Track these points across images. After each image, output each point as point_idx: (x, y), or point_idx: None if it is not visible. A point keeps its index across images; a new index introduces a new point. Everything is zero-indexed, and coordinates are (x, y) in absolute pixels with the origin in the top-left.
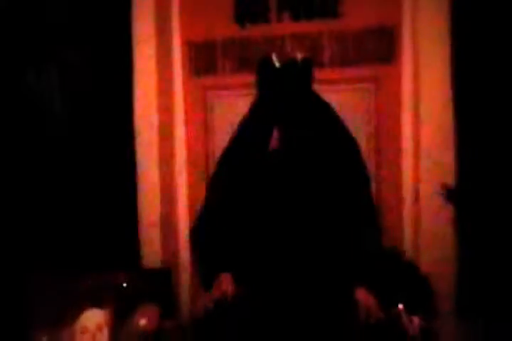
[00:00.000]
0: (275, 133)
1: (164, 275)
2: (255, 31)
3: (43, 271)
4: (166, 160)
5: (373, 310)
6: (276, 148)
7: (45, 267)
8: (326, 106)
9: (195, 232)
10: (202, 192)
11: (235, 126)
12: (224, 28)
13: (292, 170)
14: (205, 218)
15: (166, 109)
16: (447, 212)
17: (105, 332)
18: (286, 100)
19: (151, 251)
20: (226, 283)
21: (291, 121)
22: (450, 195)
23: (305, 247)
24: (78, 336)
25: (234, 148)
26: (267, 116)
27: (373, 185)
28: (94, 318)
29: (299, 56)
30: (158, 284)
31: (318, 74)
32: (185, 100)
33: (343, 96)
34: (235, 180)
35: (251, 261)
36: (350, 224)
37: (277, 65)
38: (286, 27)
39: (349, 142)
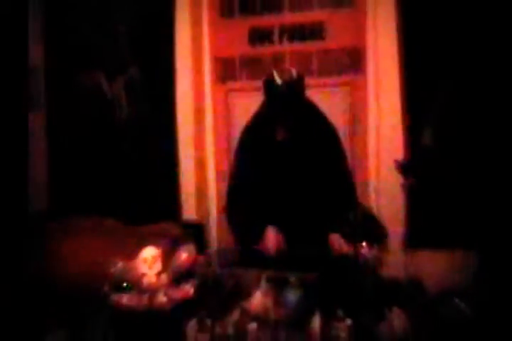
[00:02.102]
0: (280, 128)
1: (198, 226)
2: (263, 49)
3: (120, 221)
4: (199, 141)
5: (344, 249)
6: (281, 137)
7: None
8: (314, 107)
9: (229, 202)
10: (225, 165)
11: (248, 118)
12: (241, 47)
13: (293, 153)
14: (234, 191)
15: (199, 107)
16: (400, 178)
17: (159, 262)
18: (287, 105)
19: (190, 209)
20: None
21: (290, 120)
22: (401, 167)
23: (301, 204)
24: (141, 264)
25: (248, 137)
26: (272, 116)
27: (349, 158)
28: (151, 252)
29: (294, 73)
30: (194, 231)
31: (308, 81)
32: (213, 99)
33: (327, 96)
34: (252, 159)
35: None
36: (333, 187)
37: (279, 81)
38: (285, 46)
39: (331, 129)
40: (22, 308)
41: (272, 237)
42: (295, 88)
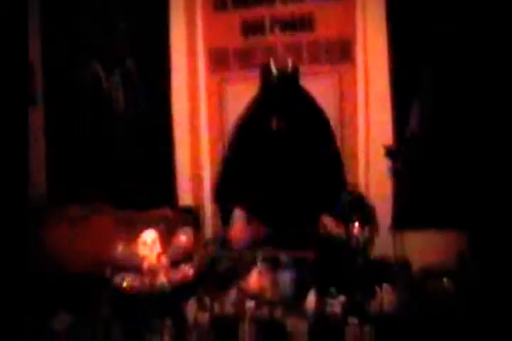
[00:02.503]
0: (275, 118)
1: (194, 212)
2: (255, 40)
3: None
4: (194, 128)
5: (333, 229)
6: (277, 126)
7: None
8: (308, 96)
9: (218, 184)
10: (219, 155)
11: (241, 107)
12: (234, 39)
13: (287, 140)
14: (225, 173)
15: (193, 96)
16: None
17: (158, 245)
18: (282, 95)
19: (186, 195)
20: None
21: (285, 110)
22: (389, 152)
23: (293, 188)
24: (141, 247)
25: (243, 125)
26: (268, 106)
27: (339, 143)
28: (150, 236)
29: (290, 63)
30: (191, 215)
31: (299, 69)
32: (207, 89)
33: (317, 84)
34: (247, 147)
35: (257, 198)
36: (324, 172)
37: (275, 71)
38: (277, 38)
39: (323, 117)
40: (26, 294)
41: (239, 226)
42: (290, 78)
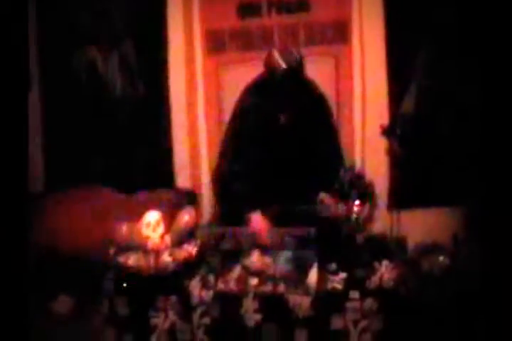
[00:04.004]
0: (283, 111)
1: (192, 193)
2: (252, 22)
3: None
4: (192, 110)
5: (332, 207)
6: (285, 120)
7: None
8: (313, 85)
9: (217, 177)
10: (217, 137)
11: (238, 88)
12: (230, 21)
13: (291, 130)
14: (224, 167)
15: (190, 79)
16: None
17: (162, 226)
18: (291, 90)
19: (185, 178)
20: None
21: (293, 104)
22: (386, 131)
23: (292, 169)
24: (144, 228)
25: (249, 116)
26: (276, 100)
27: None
28: (153, 217)
29: (296, 54)
30: (189, 199)
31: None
32: (203, 72)
33: (314, 65)
34: (246, 131)
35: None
36: (322, 151)
37: (284, 65)
38: (273, 19)
39: (325, 105)
40: (27, 278)
41: (256, 223)
42: (298, 70)
